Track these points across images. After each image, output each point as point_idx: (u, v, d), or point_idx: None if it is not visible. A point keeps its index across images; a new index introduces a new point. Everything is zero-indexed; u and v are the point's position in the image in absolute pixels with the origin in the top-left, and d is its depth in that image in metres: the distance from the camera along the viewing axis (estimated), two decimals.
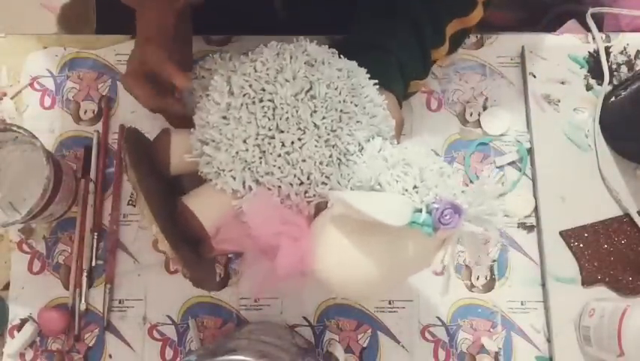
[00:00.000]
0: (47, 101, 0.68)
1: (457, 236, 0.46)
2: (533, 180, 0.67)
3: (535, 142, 0.67)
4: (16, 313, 0.63)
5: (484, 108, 0.69)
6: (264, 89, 0.50)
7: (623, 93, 0.67)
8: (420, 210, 0.44)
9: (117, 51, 0.69)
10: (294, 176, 0.50)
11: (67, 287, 0.63)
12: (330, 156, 0.50)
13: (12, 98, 0.68)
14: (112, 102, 0.68)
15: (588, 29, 0.72)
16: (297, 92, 0.50)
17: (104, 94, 0.69)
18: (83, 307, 0.63)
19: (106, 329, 0.63)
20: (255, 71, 0.51)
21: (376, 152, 0.50)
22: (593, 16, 0.73)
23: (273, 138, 0.49)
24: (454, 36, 0.63)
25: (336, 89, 0.51)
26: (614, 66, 0.70)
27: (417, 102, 0.69)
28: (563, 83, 0.69)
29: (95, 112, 0.68)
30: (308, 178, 0.50)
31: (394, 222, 0.43)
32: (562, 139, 0.67)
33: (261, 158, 0.50)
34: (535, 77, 0.69)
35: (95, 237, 0.64)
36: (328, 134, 0.50)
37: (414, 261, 0.48)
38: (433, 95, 0.69)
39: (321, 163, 0.50)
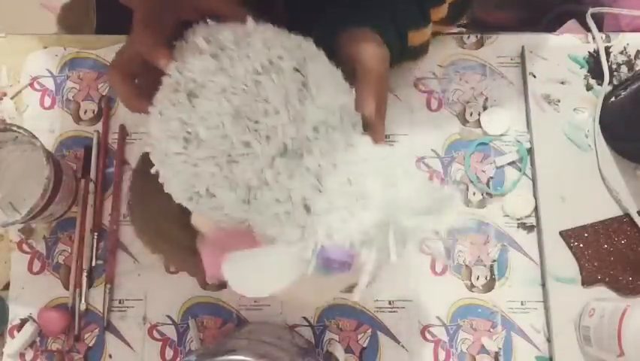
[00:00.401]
0: (47, 101, 0.68)
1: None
2: (533, 180, 0.67)
3: (535, 142, 0.67)
4: (16, 313, 0.63)
5: (484, 108, 0.69)
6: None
7: (623, 93, 0.67)
8: (310, 258, 0.41)
9: None
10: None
11: (67, 287, 0.63)
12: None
13: (12, 98, 0.68)
14: (112, 102, 0.68)
15: (588, 29, 0.72)
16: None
17: (104, 94, 0.69)
18: (83, 307, 0.63)
19: (106, 329, 0.63)
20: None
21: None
22: (593, 16, 0.73)
23: (199, 193, 0.45)
24: (453, 4, 0.62)
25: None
26: (614, 66, 0.70)
27: (417, 102, 0.69)
28: (563, 83, 0.69)
29: (95, 112, 0.68)
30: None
31: (278, 290, 0.41)
32: (562, 139, 0.67)
33: (193, 203, 0.46)
34: (535, 77, 0.69)
35: (95, 237, 0.64)
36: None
37: (336, 281, 0.46)
38: (433, 95, 0.69)
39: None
